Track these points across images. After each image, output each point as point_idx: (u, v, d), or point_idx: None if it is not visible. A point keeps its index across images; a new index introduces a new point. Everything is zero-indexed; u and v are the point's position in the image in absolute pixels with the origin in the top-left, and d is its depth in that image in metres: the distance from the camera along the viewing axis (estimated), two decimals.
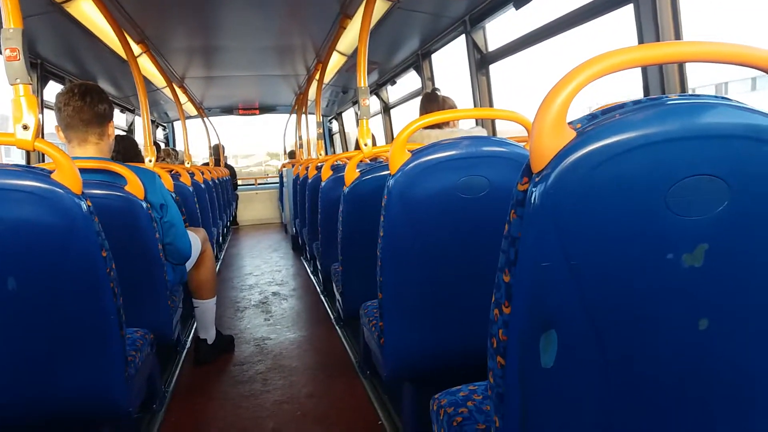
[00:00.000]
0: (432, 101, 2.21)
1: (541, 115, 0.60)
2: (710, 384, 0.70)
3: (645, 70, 1.88)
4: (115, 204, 1.60)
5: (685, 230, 0.61)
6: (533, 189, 0.61)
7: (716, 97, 0.64)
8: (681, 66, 1.82)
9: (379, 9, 3.04)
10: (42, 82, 3.56)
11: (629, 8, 1.94)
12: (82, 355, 1.27)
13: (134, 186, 1.64)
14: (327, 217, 2.63)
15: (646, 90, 1.91)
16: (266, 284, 3.92)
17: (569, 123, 0.61)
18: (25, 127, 1.29)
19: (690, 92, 1.91)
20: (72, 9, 2.77)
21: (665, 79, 1.83)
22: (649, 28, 1.84)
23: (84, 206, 1.16)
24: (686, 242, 0.62)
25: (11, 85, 1.31)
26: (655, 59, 0.63)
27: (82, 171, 1.22)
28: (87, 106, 1.67)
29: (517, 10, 2.68)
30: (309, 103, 5.85)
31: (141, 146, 3.11)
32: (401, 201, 1.27)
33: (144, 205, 1.66)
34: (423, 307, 1.38)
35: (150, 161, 2.53)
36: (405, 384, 1.53)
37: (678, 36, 1.82)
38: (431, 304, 1.37)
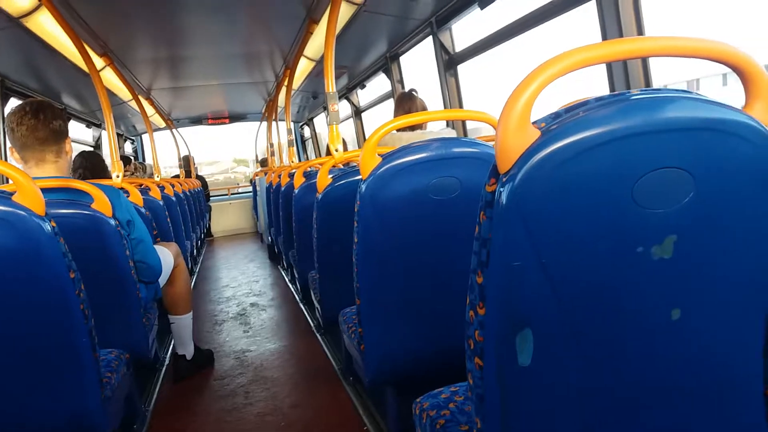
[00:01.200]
0: (409, 101, 2.22)
1: (506, 115, 0.60)
2: (686, 373, 0.71)
3: (610, 67, 1.91)
4: (82, 223, 1.56)
5: (653, 223, 0.62)
6: (500, 189, 0.61)
7: (678, 90, 0.65)
8: (645, 62, 1.86)
9: (345, 13, 3.04)
10: (3, 100, 3.45)
11: (592, 5, 1.98)
12: (56, 379, 1.23)
13: (101, 203, 1.60)
14: (301, 224, 2.60)
15: (612, 86, 1.94)
16: (244, 295, 3.87)
17: (533, 122, 0.62)
18: None
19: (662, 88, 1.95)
20: (30, 24, 2.70)
21: (629, 75, 1.86)
22: (612, 24, 1.88)
23: (48, 227, 1.12)
24: (655, 234, 0.62)
25: None
26: (617, 55, 0.63)
27: (45, 191, 1.18)
28: (41, 124, 1.59)
29: (482, 9, 2.70)
30: (279, 109, 5.81)
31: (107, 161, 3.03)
32: (374, 205, 1.27)
33: (112, 222, 1.62)
34: (401, 311, 1.37)
35: (117, 176, 2.47)
36: (387, 389, 1.53)
37: (640, 32, 1.85)
38: (409, 307, 1.37)
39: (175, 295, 2.25)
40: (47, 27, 2.81)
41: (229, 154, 16.76)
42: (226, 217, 8.47)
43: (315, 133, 8.35)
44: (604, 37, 1.92)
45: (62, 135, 1.67)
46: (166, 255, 2.17)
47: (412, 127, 2.27)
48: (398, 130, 2.14)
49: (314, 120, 8.20)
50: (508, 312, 0.64)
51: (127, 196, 2.09)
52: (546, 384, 0.68)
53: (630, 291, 0.66)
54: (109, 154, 2.64)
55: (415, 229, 1.29)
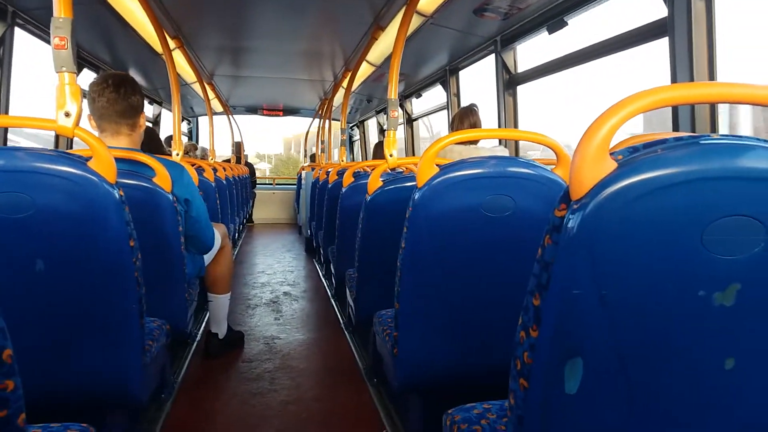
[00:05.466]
0: (472, 115, 2.25)
1: (584, 143, 0.61)
2: (731, 422, 0.70)
3: (676, 108, 1.88)
4: (142, 195, 1.62)
5: (718, 269, 0.61)
6: (571, 216, 0.62)
7: (757, 139, 0.64)
8: (713, 106, 1.83)
9: (412, 23, 3.07)
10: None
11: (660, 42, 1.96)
12: (103, 340, 1.29)
13: (162, 178, 1.66)
14: (344, 222, 2.65)
15: (676, 126, 1.91)
16: (278, 284, 3.95)
17: (611, 153, 0.62)
18: (67, 114, 1.32)
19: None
20: (113, 0, 2.84)
21: (695, 117, 1.83)
22: (683, 64, 1.85)
23: (116, 195, 1.18)
24: (719, 281, 0.62)
25: (57, 72, 1.35)
26: (702, 98, 0.63)
27: None
28: (121, 98, 1.67)
29: (550, 34, 2.69)
30: (333, 109, 5.90)
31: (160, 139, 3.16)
32: (426, 214, 1.29)
33: (170, 197, 1.68)
34: (439, 320, 1.39)
35: (177, 154, 2.56)
36: (413, 396, 1.54)
37: (712, 72, 1.82)
38: (448, 318, 1.38)
39: (217, 275, 2.32)
40: (127, 5, 2.95)
41: (252, 148, 16.92)
42: (268, 206, 8.65)
43: (365, 135, 8.44)
44: (673, 75, 1.89)
45: (138, 110, 1.74)
46: (215, 234, 2.24)
47: (467, 141, 2.29)
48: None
49: (365, 123, 8.29)
50: (562, 338, 0.65)
51: None
52: (589, 414, 0.69)
53: (686, 334, 0.65)
54: (172, 132, 2.74)
55: (465, 242, 1.31)
